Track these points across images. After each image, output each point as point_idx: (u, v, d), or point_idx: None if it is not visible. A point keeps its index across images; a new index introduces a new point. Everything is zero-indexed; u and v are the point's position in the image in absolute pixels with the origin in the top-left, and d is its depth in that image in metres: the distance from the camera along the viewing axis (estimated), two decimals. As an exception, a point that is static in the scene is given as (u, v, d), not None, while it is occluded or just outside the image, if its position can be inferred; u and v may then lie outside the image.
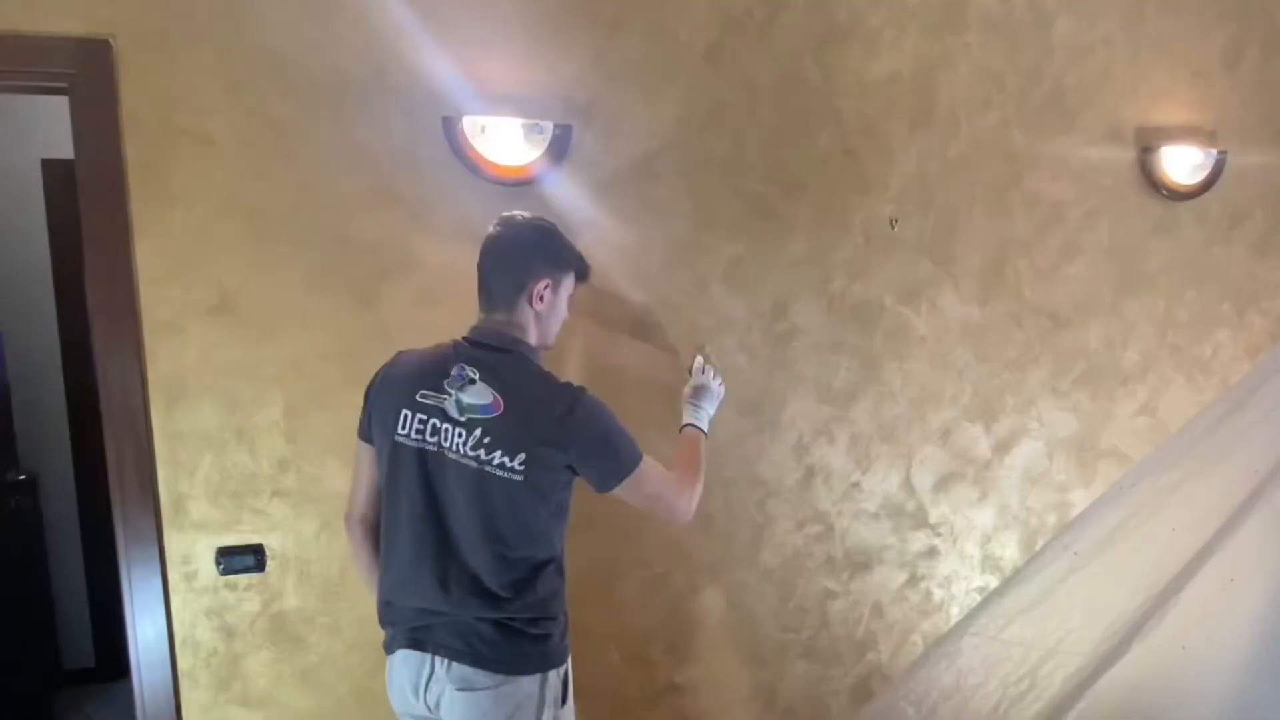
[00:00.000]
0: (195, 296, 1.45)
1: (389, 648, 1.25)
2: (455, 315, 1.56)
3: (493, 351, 1.22)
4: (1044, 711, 0.47)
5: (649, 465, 1.26)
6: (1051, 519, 1.99)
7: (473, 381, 1.18)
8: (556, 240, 1.29)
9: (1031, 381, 1.93)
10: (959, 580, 1.94)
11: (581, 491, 1.70)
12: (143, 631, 1.50)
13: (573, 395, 1.21)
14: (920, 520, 1.90)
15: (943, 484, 1.90)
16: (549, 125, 1.51)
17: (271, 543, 1.52)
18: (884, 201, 1.78)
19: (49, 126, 2.53)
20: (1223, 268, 2.03)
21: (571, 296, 1.33)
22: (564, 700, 1.24)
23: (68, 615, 2.74)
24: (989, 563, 1.97)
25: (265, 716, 1.56)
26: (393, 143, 1.50)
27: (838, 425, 1.81)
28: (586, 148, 1.59)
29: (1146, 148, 1.91)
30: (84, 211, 1.39)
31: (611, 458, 1.22)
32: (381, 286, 1.53)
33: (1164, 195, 1.94)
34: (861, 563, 1.86)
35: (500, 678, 1.17)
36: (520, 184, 1.53)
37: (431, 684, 1.19)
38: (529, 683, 1.18)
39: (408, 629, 1.21)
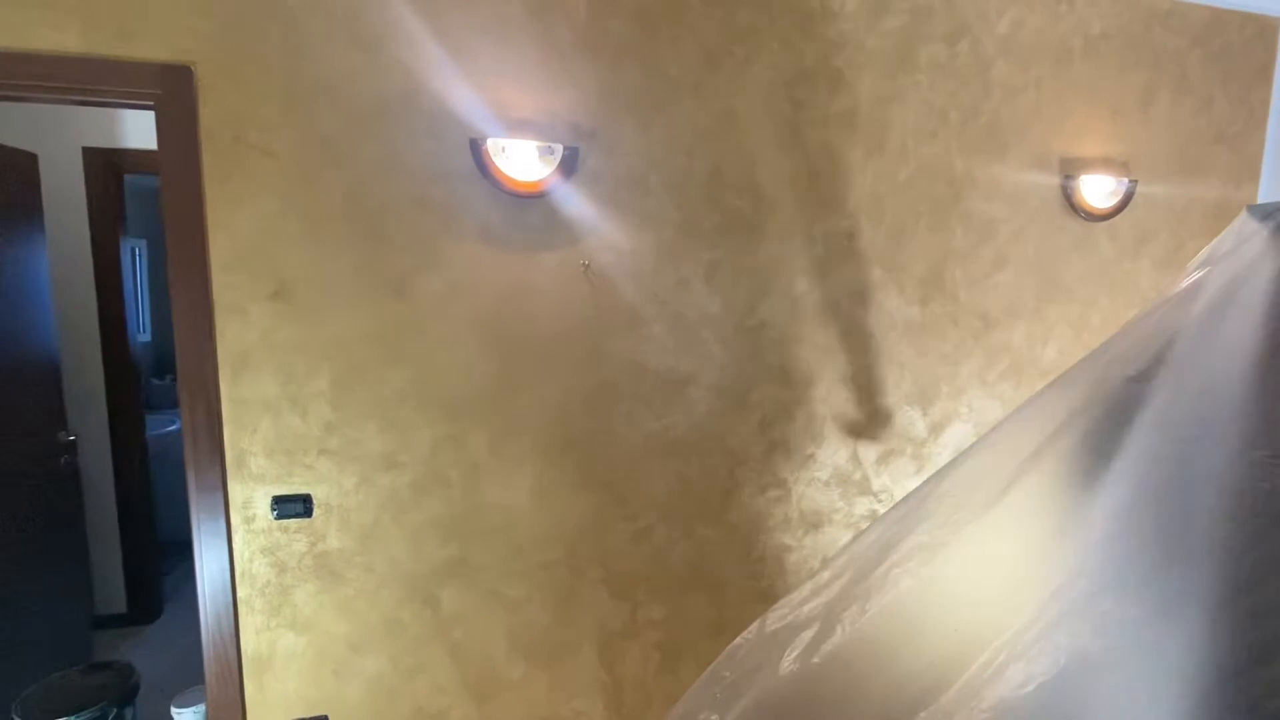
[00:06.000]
0: (258, 285, 1.71)
1: None
2: (479, 304, 1.86)
3: None
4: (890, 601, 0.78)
5: None
6: (977, 490, 2.32)
7: None
8: None
9: (963, 373, 2.25)
10: (897, 540, 2.27)
11: (581, 460, 1.99)
12: (209, 565, 1.78)
13: None
14: (865, 488, 2.22)
15: (884, 458, 2.22)
16: (560, 147, 1.78)
17: (318, 493, 1.80)
18: (842, 217, 2.07)
19: (90, 117, 2.74)
20: (1131, 280, 2.36)
21: None
22: None
23: (102, 565, 3.00)
24: (923, 526, 2.30)
25: (309, 639, 1.85)
26: (427, 159, 1.76)
27: (797, 406, 2.12)
28: (591, 166, 1.86)
29: (1068, 175, 2.23)
30: (166, 210, 1.64)
31: None
32: (414, 280, 1.80)
33: (1082, 216, 2.26)
34: (814, 523, 2.19)
35: None
36: (535, 196, 1.81)
37: None
38: None
39: None
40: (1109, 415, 0.90)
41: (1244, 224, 1.05)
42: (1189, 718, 0.71)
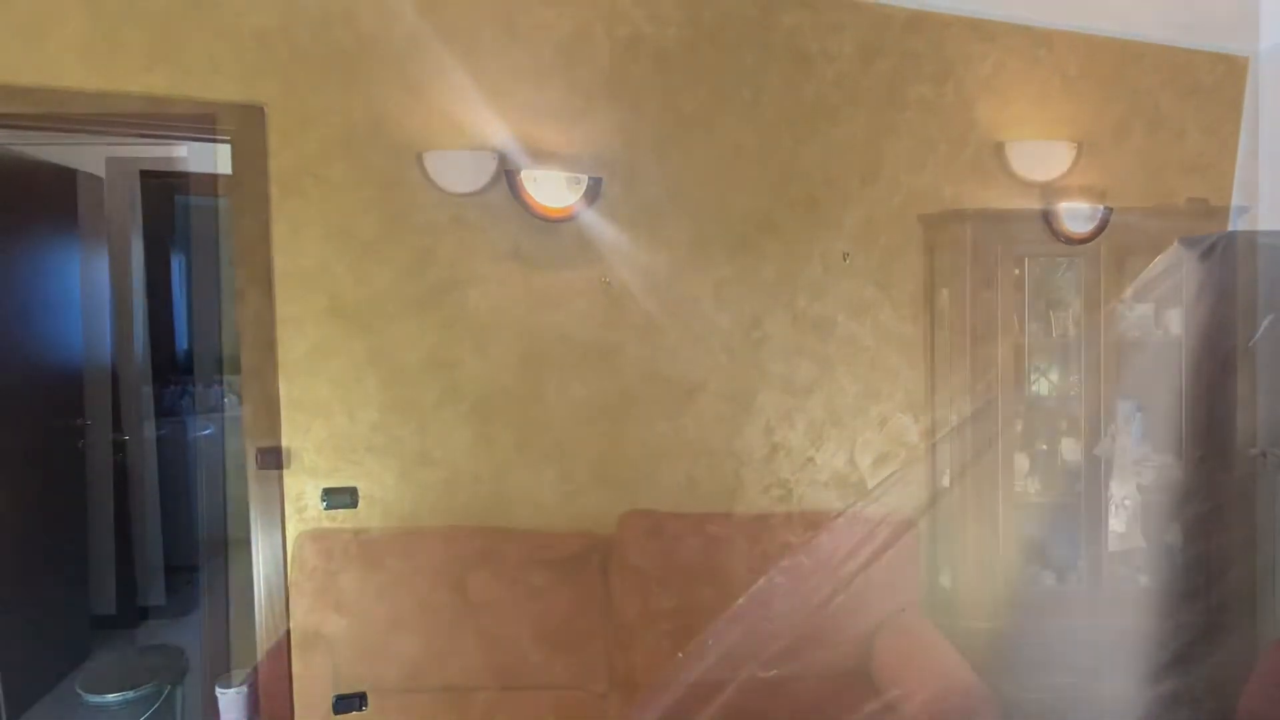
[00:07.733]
0: (314, 299, 1.91)
1: None
2: (510, 317, 2.05)
3: None
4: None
5: None
6: (966, 493, 2.49)
7: None
8: None
9: (952, 383, 2.42)
10: (891, 539, 2.44)
11: (598, 459, 2.18)
12: (264, 550, 1.97)
13: None
14: (861, 490, 2.39)
15: (879, 461, 2.39)
16: (585, 177, 1.98)
17: (363, 486, 1.98)
18: (839, 239, 2.25)
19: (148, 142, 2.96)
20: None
21: None
22: None
23: (144, 559, 3.18)
24: (915, 526, 2.47)
25: (351, 619, 2.02)
26: (466, 187, 1.96)
27: (798, 413, 2.29)
28: (613, 194, 2.05)
29: (1048, 202, 2.41)
30: (237, 233, 1.85)
31: None
32: (452, 294, 2.00)
33: (1061, 241, 2.43)
34: (813, 521, 2.35)
35: None
36: (563, 221, 2.01)
37: None
38: None
39: None
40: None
41: (1174, 252, 1.25)
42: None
